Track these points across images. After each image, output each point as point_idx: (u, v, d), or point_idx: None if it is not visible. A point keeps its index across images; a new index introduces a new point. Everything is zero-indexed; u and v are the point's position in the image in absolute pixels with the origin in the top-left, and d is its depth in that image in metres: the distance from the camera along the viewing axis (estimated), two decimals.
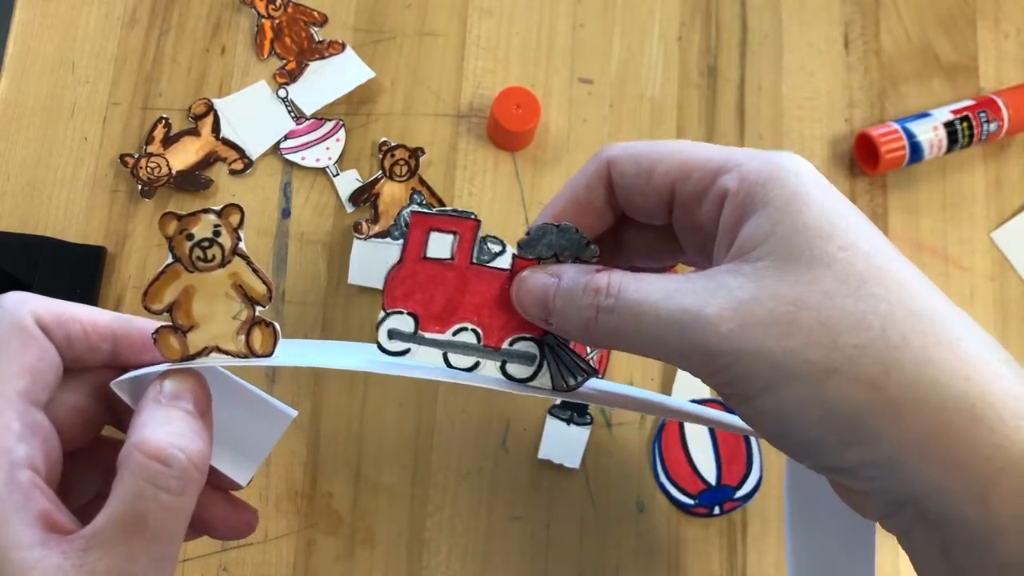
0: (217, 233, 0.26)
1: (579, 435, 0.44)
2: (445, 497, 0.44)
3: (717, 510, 0.44)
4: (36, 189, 0.46)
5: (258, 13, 0.49)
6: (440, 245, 0.31)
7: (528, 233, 0.30)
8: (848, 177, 0.50)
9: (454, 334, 0.31)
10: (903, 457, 0.23)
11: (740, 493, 0.44)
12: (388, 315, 0.31)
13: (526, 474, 0.44)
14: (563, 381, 0.31)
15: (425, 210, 0.31)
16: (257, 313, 0.27)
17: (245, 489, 0.31)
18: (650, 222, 0.30)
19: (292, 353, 0.29)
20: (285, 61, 0.48)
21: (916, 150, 0.48)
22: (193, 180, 0.46)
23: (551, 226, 0.30)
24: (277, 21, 0.49)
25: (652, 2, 0.51)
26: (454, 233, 0.31)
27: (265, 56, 0.49)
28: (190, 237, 0.26)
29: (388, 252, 0.46)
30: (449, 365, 0.31)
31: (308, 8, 0.49)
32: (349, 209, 0.47)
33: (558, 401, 0.44)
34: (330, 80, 0.48)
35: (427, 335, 0.31)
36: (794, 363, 0.24)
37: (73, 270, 0.44)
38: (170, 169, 0.46)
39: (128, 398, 0.28)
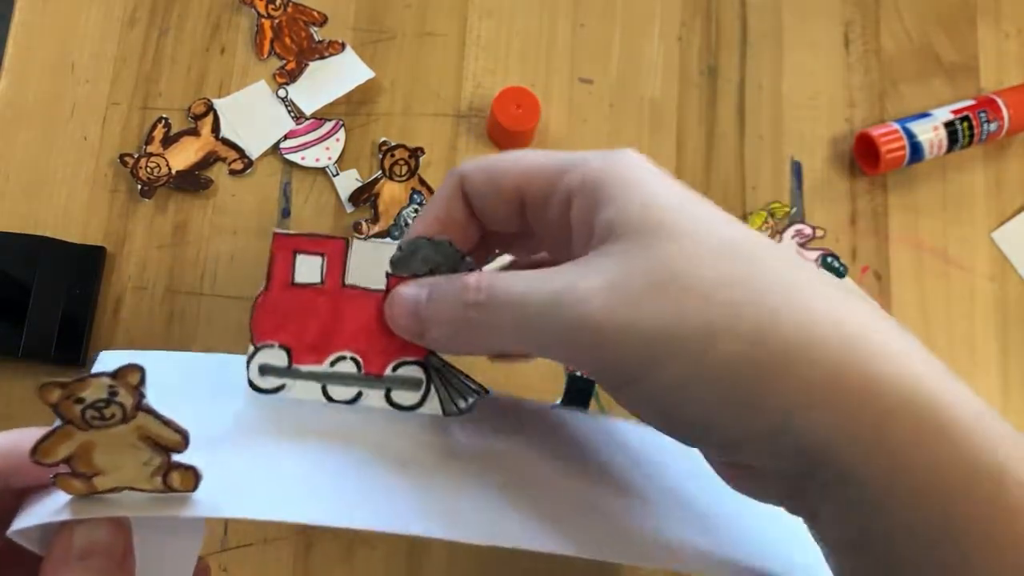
0: (114, 393, 0.22)
1: None
2: None
3: None
4: (36, 189, 0.46)
5: (258, 13, 0.49)
6: (309, 269, 0.29)
7: (400, 248, 0.29)
8: (848, 177, 0.49)
9: (332, 364, 0.29)
10: (794, 411, 0.22)
11: None
12: (258, 349, 0.29)
13: None
14: (453, 405, 0.29)
15: (285, 231, 0.29)
16: (174, 459, 0.23)
17: None
18: (508, 230, 0.31)
19: (223, 483, 0.24)
20: (285, 61, 0.48)
21: (916, 150, 0.48)
22: (193, 180, 0.46)
23: (423, 240, 0.29)
24: (277, 21, 0.49)
25: (652, 2, 0.51)
26: (321, 255, 0.29)
27: (265, 56, 0.49)
28: (80, 401, 0.22)
29: (388, 252, 0.45)
30: (329, 399, 0.29)
31: (308, 8, 0.49)
32: (349, 209, 0.47)
33: (559, 400, 0.44)
34: (330, 80, 0.48)
35: (303, 368, 0.29)
36: (672, 332, 0.23)
37: (73, 270, 0.44)
38: (170, 169, 0.46)
39: (33, 545, 0.24)
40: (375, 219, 0.46)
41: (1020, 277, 0.49)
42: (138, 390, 0.22)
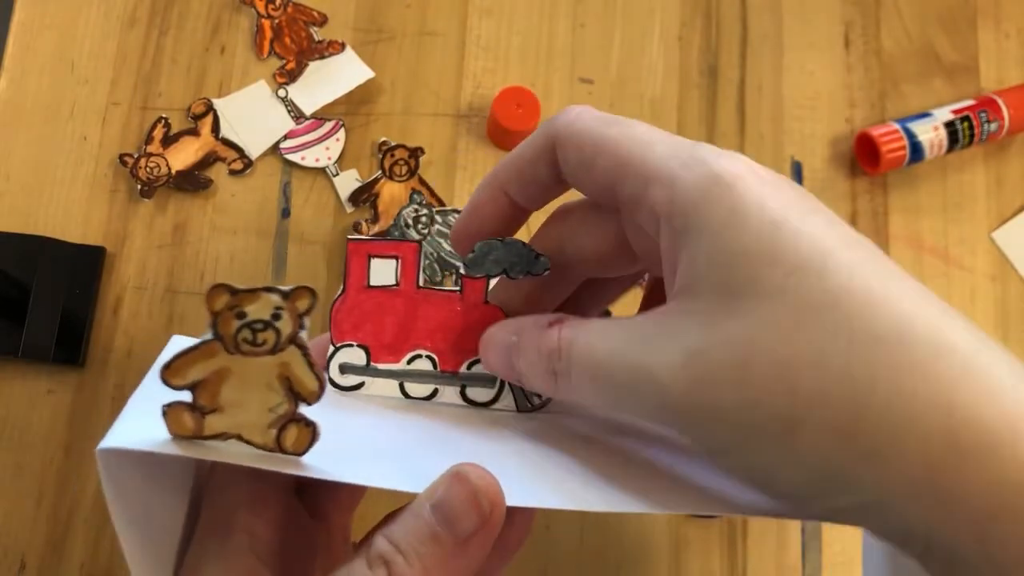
0: (277, 316, 0.21)
1: None
2: None
3: None
4: (35, 189, 0.46)
5: (258, 13, 0.49)
6: (383, 271, 0.30)
7: (473, 251, 0.29)
8: (848, 177, 0.49)
9: (409, 362, 0.30)
10: (891, 499, 0.21)
11: None
12: (338, 349, 0.30)
13: None
14: (527, 401, 0.30)
15: (360, 236, 0.30)
16: (299, 411, 0.22)
17: None
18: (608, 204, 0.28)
19: (326, 454, 0.24)
20: (285, 61, 0.48)
21: (917, 150, 0.48)
22: (192, 180, 0.46)
23: (496, 241, 0.29)
24: (277, 21, 0.49)
25: (652, 2, 0.51)
26: (396, 258, 0.30)
27: (265, 56, 0.49)
28: (241, 315, 0.21)
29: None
30: (406, 395, 0.30)
31: (308, 8, 0.49)
32: (349, 209, 0.47)
33: None
34: (330, 80, 0.48)
35: (380, 366, 0.30)
36: (755, 419, 0.22)
37: (72, 270, 0.44)
38: (169, 169, 0.46)
39: (110, 467, 0.22)
40: (375, 219, 0.46)
41: (1020, 277, 0.49)
42: (302, 319, 0.21)
